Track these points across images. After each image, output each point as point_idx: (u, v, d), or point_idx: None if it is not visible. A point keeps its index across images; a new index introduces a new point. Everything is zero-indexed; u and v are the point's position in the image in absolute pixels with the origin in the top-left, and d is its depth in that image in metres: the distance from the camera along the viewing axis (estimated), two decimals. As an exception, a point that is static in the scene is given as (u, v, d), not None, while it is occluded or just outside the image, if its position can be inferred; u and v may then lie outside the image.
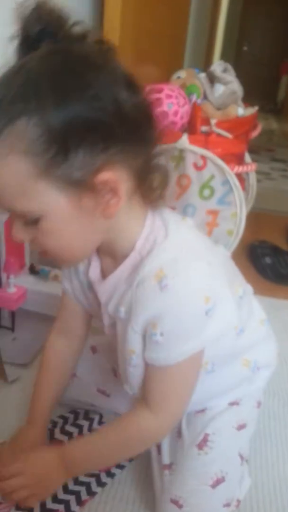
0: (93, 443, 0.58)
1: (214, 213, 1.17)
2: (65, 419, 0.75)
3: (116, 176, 0.43)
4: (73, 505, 0.61)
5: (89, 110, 0.40)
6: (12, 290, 0.93)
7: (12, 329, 0.96)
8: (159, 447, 0.63)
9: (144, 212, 0.50)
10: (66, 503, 0.62)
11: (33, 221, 0.45)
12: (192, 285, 0.48)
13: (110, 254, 0.53)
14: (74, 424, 0.75)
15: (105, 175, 0.42)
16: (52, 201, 0.43)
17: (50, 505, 0.61)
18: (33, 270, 1.01)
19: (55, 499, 0.62)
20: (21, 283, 0.96)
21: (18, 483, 0.55)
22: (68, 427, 0.74)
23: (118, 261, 0.52)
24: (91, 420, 0.76)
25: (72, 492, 0.63)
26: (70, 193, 0.43)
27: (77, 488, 0.64)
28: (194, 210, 1.16)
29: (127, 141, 0.43)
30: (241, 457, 0.61)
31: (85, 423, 0.75)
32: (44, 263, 1.05)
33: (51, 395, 0.67)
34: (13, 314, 0.96)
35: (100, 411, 0.77)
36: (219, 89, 1.50)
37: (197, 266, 0.49)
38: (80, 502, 0.62)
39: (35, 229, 0.45)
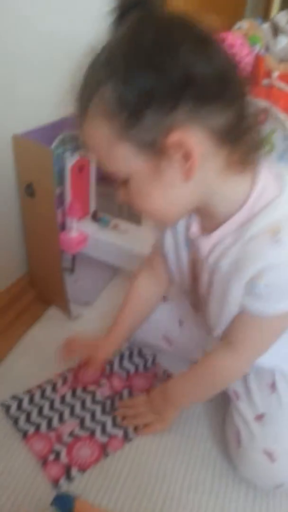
0: (185, 385, 0.65)
1: (273, 169, 1.15)
2: (121, 355, 0.81)
3: (188, 138, 0.42)
4: (131, 433, 0.67)
5: (155, 74, 0.40)
6: (74, 234, 0.97)
7: (72, 270, 1.01)
8: (248, 396, 0.64)
9: (246, 172, 0.49)
10: (125, 430, 0.67)
11: (124, 182, 0.47)
12: None
13: (210, 215, 0.53)
14: (131, 361, 0.80)
15: (175, 136, 0.42)
16: (132, 163, 0.45)
17: (110, 429, 0.67)
18: (95, 218, 1.04)
19: (115, 425, 0.68)
20: (83, 229, 1.00)
21: (146, 408, 0.69)
22: (126, 363, 0.80)
23: (221, 220, 0.52)
24: (145, 359, 0.81)
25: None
26: (147, 156, 0.44)
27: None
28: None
29: (198, 101, 0.42)
30: None
31: (140, 361, 0.80)
32: (107, 212, 1.08)
33: (130, 323, 0.73)
34: (73, 257, 1.00)
35: (155, 352, 0.82)
36: (283, 41, 1.43)
37: None
38: (137, 431, 0.67)
39: (127, 190, 0.48)
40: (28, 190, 0.82)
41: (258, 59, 1.20)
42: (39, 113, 0.84)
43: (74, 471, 0.61)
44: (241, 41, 1.19)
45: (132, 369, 0.79)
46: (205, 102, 0.42)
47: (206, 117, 0.42)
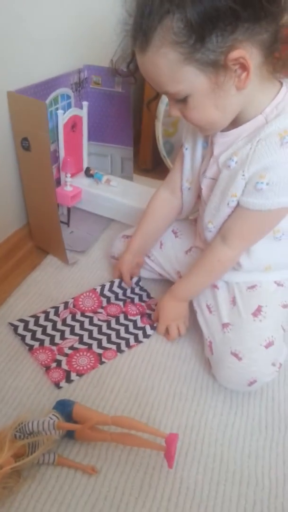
0: (190, 280, 0.76)
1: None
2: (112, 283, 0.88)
3: (245, 53, 0.50)
4: (123, 346, 0.77)
5: (218, 1, 0.47)
6: (68, 188, 1.03)
7: (67, 223, 1.07)
8: (217, 308, 0.74)
9: (275, 83, 0.58)
10: (118, 345, 0.77)
11: (182, 100, 0.57)
12: None
13: (234, 119, 0.61)
14: (126, 295, 0.89)
15: (235, 53, 0.50)
16: (195, 81, 0.53)
17: (105, 344, 0.77)
18: (88, 174, 1.10)
19: (109, 341, 0.77)
20: (77, 184, 1.06)
21: (170, 325, 0.79)
22: (121, 296, 0.88)
23: (239, 123, 0.61)
24: (140, 295, 0.90)
25: (123, 338, 0.78)
26: (209, 73, 0.52)
27: (127, 335, 0.79)
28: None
29: (253, 20, 0.49)
30: (283, 329, 0.71)
31: (135, 296, 0.89)
32: (97, 168, 1.13)
33: (148, 235, 0.85)
34: (68, 211, 1.07)
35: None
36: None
37: None
38: (128, 345, 0.77)
39: (183, 106, 0.58)
40: (24, 144, 0.87)
41: None
42: (32, 71, 0.88)
43: (73, 376, 0.70)
44: None
45: (128, 300, 0.87)
46: (258, 19, 0.49)
47: (258, 33, 0.50)
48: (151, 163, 1.40)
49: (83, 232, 1.07)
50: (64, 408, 0.61)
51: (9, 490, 0.55)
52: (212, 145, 0.67)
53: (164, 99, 1.21)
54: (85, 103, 1.04)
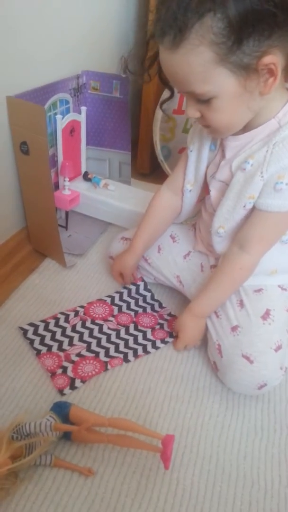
0: (209, 295, 0.74)
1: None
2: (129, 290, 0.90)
3: (275, 59, 0.51)
4: (130, 356, 0.76)
5: (260, 2, 0.47)
6: (67, 192, 1.04)
7: (65, 227, 1.08)
8: (225, 312, 0.74)
9: (285, 89, 0.59)
10: (125, 354, 0.77)
11: (206, 101, 0.56)
12: None
13: (246, 123, 0.62)
14: (138, 305, 0.88)
15: (268, 59, 0.51)
16: (225, 83, 0.53)
17: (112, 353, 0.76)
18: (86, 178, 1.11)
19: (117, 350, 0.77)
20: (75, 188, 1.07)
21: (189, 343, 0.78)
22: (133, 306, 0.88)
23: (251, 127, 0.62)
24: (152, 304, 0.89)
25: (131, 348, 0.78)
26: (240, 76, 0.52)
27: (135, 346, 0.79)
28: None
29: (286, 27, 0.50)
30: None
31: (147, 306, 0.88)
32: (96, 172, 1.14)
33: (149, 235, 0.85)
34: (67, 214, 1.07)
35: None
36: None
37: None
38: (136, 355, 0.77)
39: (205, 107, 0.58)
40: (23, 148, 0.88)
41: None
42: (31, 76, 0.89)
43: (77, 382, 0.70)
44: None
45: (140, 310, 0.87)
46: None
47: (286, 41, 0.51)
48: (149, 168, 1.41)
49: (81, 236, 1.07)
50: (61, 410, 0.62)
51: (5, 492, 0.55)
52: (223, 148, 0.68)
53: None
54: (83, 108, 1.05)
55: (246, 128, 0.63)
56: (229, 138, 0.66)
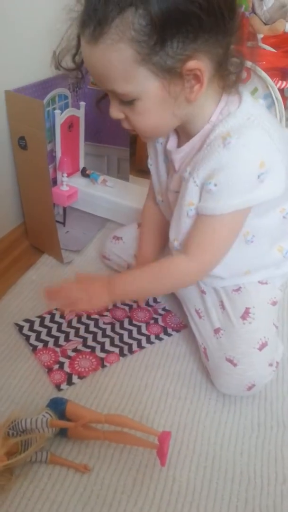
0: (133, 275, 0.70)
1: (254, 127, 1.20)
2: None
3: (201, 64, 0.49)
4: (126, 351, 0.76)
5: (185, 2, 0.45)
6: (65, 188, 1.03)
7: (63, 223, 1.08)
8: (207, 313, 0.73)
9: (220, 93, 0.57)
10: (121, 348, 0.77)
11: (128, 102, 0.53)
12: (252, 147, 0.54)
13: (186, 132, 0.61)
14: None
15: (192, 64, 0.49)
16: (147, 85, 0.51)
17: (108, 347, 0.76)
18: (84, 174, 1.10)
19: (112, 344, 0.77)
20: (73, 184, 1.06)
21: (78, 296, 0.66)
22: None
23: (192, 135, 0.60)
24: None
25: (126, 343, 0.78)
26: (163, 79, 0.50)
27: (130, 341, 0.78)
28: (235, 124, 1.19)
29: (213, 32, 0.48)
30: (276, 326, 0.71)
31: None
32: (94, 169, 1.14)
33: (152, 246, 0.83)
34: (64, 210, 1.07)
35: None
36: (269, 2, 1.45)
37: (260, 134, 0.55)
38: (131, 351, 0.76)
39: (129, 109, 0.55)
40: (21, 143, 0.88)
41: (243, 21, 1.23)
42: (29, 71, 0.88)
43: (74, 378, 0.70)
44: (226, 2, 1.22)
45: (134, 305, 0.86)
46: (217, 32, 0.48)
47: (215, 46, 0.50)
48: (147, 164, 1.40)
49: (78, 232, 1.07)
50: (57, 406, 0.61)
51: (1, 488, 0.55)
52: (172, 161, 0.66)
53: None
54: (82, 104, 1.04)
55: (187, 138, 0.61)
56: (173, 152, 0.64)
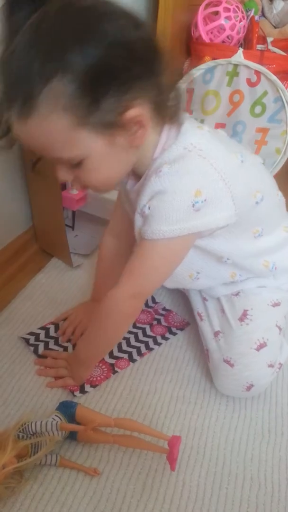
0: (85, 335, 0.68)
1: (264, 130, 1.19)
2: None
3: (140, 111, 0.49)
4: (135, 355, 0.76)
5: (109, 58, 0.44)
6: (74, 192, 1.04)
7: (72, 227, 1.08)
8: (208, 316, 0.74)
9: (160, 130, 0.56)
10: (129, 354, 0.76)
11: (76, 164, 0.51)
12: (186, 175, 0.53)
13: (137, 173, 0.61)
14: None
15: (132, 112, 0.48)
16: (92, 144, 0.49)
17: (116, 353, 0.76)
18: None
19: (120, 350, 0.77)
20: (82, 187, 1.07)
21: (64, 364, 0.71)
22: None
23: (140, 176, 0.60)
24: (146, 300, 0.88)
25: (133, 347, 0.78)
26: (106, 134, 0.49)
27: (137, 344, 0.78)
28: (244, 127, 1.19)
29: (144, 78, 0.47)
30: (279, 328, 0.70)
31: None
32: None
33: (106, 286, 0.77)
34: (73, 214, 1.07)
35: None
36: (278, 5, 1.45)
37: (197, 163, 0.54)
38: (140, 354, 0.76)
39: (78, 170, 0.52)
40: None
41: (253, 24, 1.23)
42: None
43: (87, 387, 0.69)
44: (236, 5, 1.22)
45: None
46: (147, 77, 0.48)
47: (149, 90, 0.49)
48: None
49: (87, 236, 1.07)
50: (67, 410, 0.61)
51: (11, 490, 0.55)
52: (131, 201, 0.65)
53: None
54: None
55: (138, 179, 0.60)
56: (129, 193, 0.63)
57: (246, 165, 0.60)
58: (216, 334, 0.71)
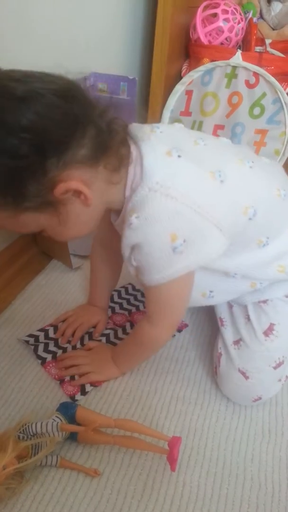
0: (124, 350, 0.72)
1: (262, 132, 1.20)
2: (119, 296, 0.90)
3: (70, 180, 0.47)
4: None
5: (8, 161, 0.43)
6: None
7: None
8: (232, 322, 0.72)
9: (123, 170, 0.53)
10: None
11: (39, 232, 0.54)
12: (156, 223, 0.50)
13: (115, 209, 0.58)
14: (130, 303, 0.89)
15: (60, 188, 0.46)
16: (39, 221, 0.50)
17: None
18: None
19: None
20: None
21: (85, 361, 0.72)
22: (125, 305, 0.88)
23: (120, 211, 0.57)
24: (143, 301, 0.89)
25: None
26: (47, 211, 0.49)
27: None
28: (243, 129, 1.19)
29: (61, 150, 0.45)
30: None
31: (139, 303, 0.89)
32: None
33: (104, 285, 0.82)
34: (74, 216, 1.08)
35: None
36: (277, 7, 1.45)
37: (164, 205, 0.50)
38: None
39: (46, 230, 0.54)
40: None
41: (251, 26, 1.24)
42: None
43: (88, 387, 0.69)
44: (234, 7, 1.22)
45: (133, 309, 0.87)
46: (65, 147, 0.45)
47: (72, 158, 0.46)
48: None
49: (87, 237, 1.07)
50: (68, 411, 0.61)
51: (11, 491, 0.55)
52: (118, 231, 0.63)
53: (169, 106, 1.23)
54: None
55: (119, 213, 0.58)
56: (114, 224, 0.61)
57: (229, 183, 0.54)
58: (236, 342, 0.69)
